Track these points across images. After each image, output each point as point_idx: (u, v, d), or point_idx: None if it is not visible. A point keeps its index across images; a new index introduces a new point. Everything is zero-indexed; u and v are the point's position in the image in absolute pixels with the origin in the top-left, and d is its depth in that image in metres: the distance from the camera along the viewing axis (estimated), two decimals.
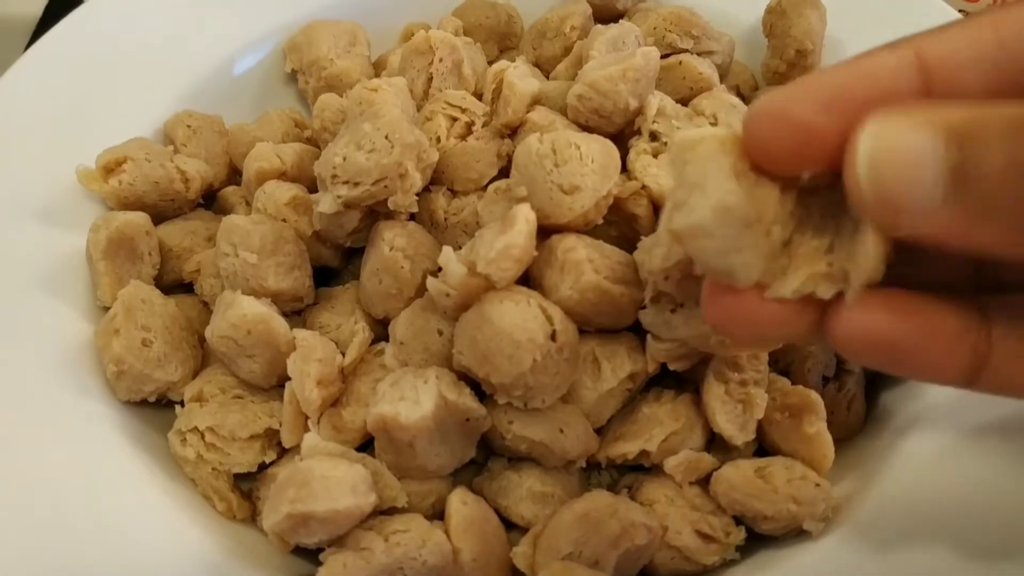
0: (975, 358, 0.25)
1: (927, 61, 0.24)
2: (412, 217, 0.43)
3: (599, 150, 0.38)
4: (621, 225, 0.41)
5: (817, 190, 0.26)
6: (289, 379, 0.38)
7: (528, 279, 0.38)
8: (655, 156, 0.41)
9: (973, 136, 0.21)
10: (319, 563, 0.34)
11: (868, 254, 0.24)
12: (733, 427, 0.38)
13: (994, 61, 0.24)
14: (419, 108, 0.46)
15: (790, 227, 0.25)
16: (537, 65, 0.54)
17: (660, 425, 0.38)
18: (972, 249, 0.22)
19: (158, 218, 0.47)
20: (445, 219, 0.43)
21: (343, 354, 0.40)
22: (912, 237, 0.23)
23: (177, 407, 0.41)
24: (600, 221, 0.39)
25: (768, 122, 0.24)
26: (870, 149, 0.22)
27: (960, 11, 0.56)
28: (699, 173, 0.24)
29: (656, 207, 0.40)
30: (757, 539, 0.39)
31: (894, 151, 0.22)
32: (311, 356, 0.38)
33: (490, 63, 0.53)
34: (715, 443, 0.40)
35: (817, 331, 0.26)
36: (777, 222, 0.25)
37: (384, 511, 0.36)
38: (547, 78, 0.51)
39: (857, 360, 0.27)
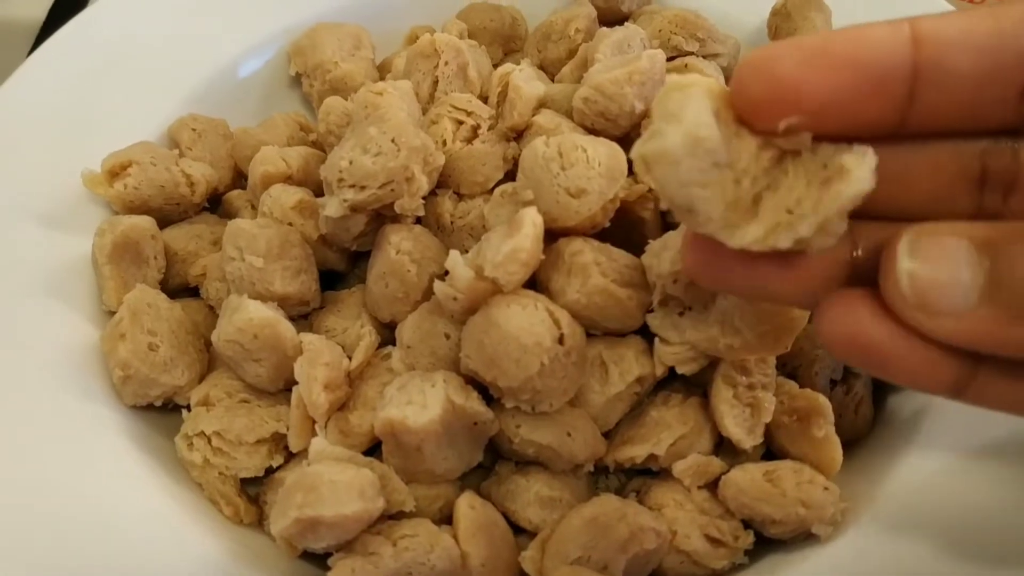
0: (962, 369, 0.25)
1: (920, 36, 0.25)
2: (418, 221, 0.43)
3: (605, 153, 0.38)
4: (628, 228, 0.41)
5: (798, 155, 0.26)
6: (296, 383, 0.38)
7: (535, 282, 0.38)
8: None
9: (1005, 243, 0.23)
10: (327, 567, 0.34)
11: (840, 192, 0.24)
12: (741, 431, 0.38)
13: (988, 47, 0.24)
14: (424, 111, 0.45)
15: (762, 184, 0.25)
16: (542, 68, 0.54)
17: (668, 429, 0.38)
18: (1004, 351, 0.24)
19: (163, 222, 0.47)
20: (451, 223, 0.43)
21: (350, 358, 0.40)
22: (947, 341, 0.24)
23: (183, 411, 0.41)
24: (607, 224, 0.39)
25: (752, 72, 0.25)
26: (910, 252, 0.24)
27: None
28: (679, 107, 0.24)
29: (663, 211, 0.40)
30: (766, 543, 0.39)
31: (933, 255, 0.23)
32: (318, 360, 0.38)
33: (495, 66, 0.53)
34: (723, 447, 0.40)
35: (798, 296, 0.27)
36: (749, 175, 0.25)
37: (392, 515, 0.36)
38: (552, 81, 0.51)
39: (843, 359, 0.27)
